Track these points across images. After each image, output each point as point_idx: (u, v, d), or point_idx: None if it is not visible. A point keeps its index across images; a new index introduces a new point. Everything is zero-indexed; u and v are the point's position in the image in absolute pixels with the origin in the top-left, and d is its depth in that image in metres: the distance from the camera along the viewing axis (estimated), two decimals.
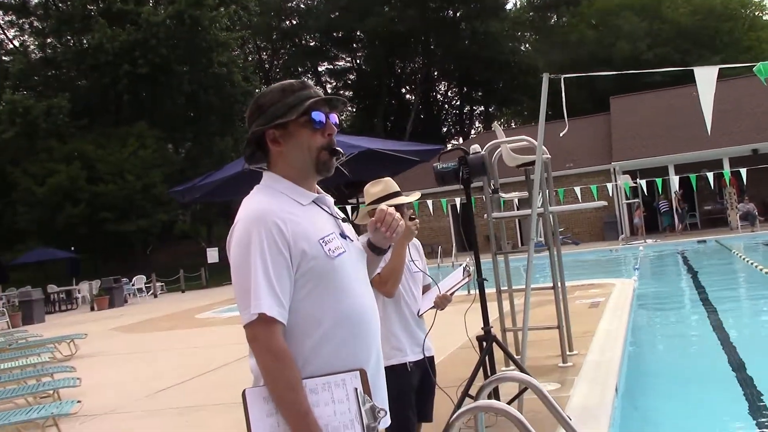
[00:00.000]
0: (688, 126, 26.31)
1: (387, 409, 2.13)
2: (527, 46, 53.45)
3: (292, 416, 1.91)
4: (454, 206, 26.31)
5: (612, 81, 37.06)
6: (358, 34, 50.55)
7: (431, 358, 3.62)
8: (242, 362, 9.24)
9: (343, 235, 2.15)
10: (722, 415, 5.74)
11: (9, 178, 31.94)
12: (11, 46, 41.13)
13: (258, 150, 2.15)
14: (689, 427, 5.54)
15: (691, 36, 41.07)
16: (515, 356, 5.68)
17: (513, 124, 52.78)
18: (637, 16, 41.64)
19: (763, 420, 5.34)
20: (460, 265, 3.71)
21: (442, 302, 3.63)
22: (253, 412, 1.94)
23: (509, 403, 5.12)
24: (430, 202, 21.79)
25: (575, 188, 20.54)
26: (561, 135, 6.62)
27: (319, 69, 54.10)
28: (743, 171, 19.23)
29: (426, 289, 3.77)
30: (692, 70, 5.27)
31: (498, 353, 5.29)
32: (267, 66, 52.26)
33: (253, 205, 2.05)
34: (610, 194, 24.26)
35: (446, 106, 59.01)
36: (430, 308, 3.65)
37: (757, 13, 46.75)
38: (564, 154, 29.20)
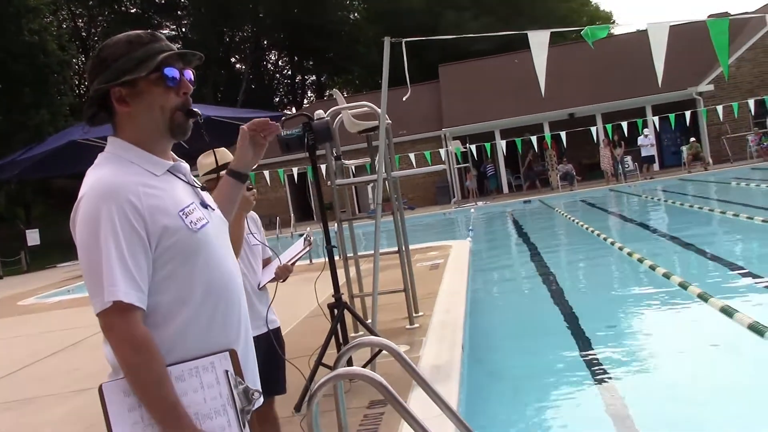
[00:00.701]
0: (512, 92, 27.66)
1: (259, 386, 2.03)
2: (357, 15, 53.68)
3: (159, 410, 1.73)
4: (291, 176, 26.15)
5: (440, 50, 38.10)
6: (182, 0, 48.58)
7: (276, 330, 3.53)
8: (74, 349, 8.72)
9: (204, 204, 1.97)
10: (556, 361, 6.10)
11: None
12: None
13: (101, 110, 1.91)
14: (528, 376, 5.84)
15: (511, 6, 43.04)
16: (366, 321, 5.71)
17: (345, 93, 52.99)
18: None
19: (592, 365, 5.72)
20: (301, 235, 3.64)
21: (283, 272, 3.54)
22: (112, 408, 1.75)
23: (364, 367, 5.16)
24: (267, 173, 21.51)
25: (410, 155, 21.03)
26: (404, 99, 6.69)
27: None
28: (563, 134, 20.47)
29: (266, 263, 3.66)
30: (517, 36, 5.46)
31: (348, 320, 5.30)
32: (84, 34, 49.06)
33: (100, 177, 1.81)
34: (443, 159, 25.04)
35: (278, 75, 58.23)
36: (271, 280, 3.54)
37: None
38: (397, 122, 29.73)
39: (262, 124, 2.23)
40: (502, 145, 22.57)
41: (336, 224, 6.87)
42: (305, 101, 55.61)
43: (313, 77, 58.06)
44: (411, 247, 13.28)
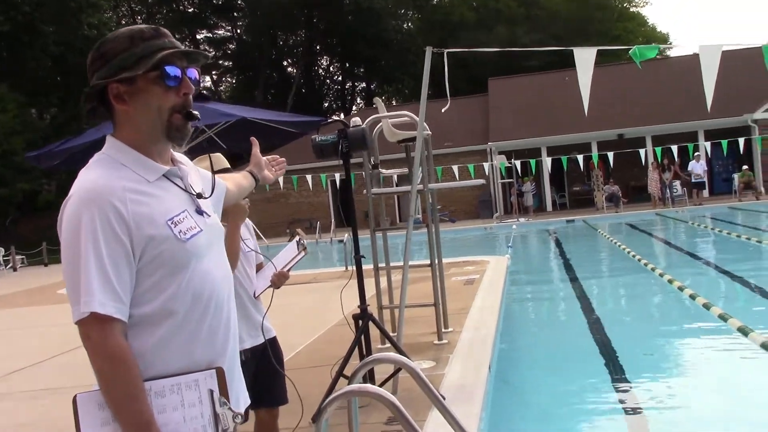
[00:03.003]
0: (561, 109, 27.31)
1: (242, 404, 1.95)
2: (410, 24, 53.75)
3: (131, 427, 1.65)
4: (333, 182, 26.21)
5: (490, 65, 37.99)
6: (239, 2, 49.17)
7: (272, 340, 3.44)
8: None
9: (199, 211, 1.88)
10: (586, 388, 5.92)
11: None
12: None
13: (101, 106, 1.83)
14: (556, 401, 5.68)
15: (565, 23, 42.65)
16: (391, 334, 5.61)
17: (394, 101, 52.99)
18: (515, 2, 42.78)
19: (623, 394, 5.54)
20: (298, 242, 3.50)
21: (279, 280, 3.42)
22: (84, 420, 1.67)
23: (383, 383, 5.06)
24: (309, 177, 21.58)
25: (453, 167, 20.89)
26: (443, 111, 6.59)
27: (198, 37, 52.27)
28: (610, 155, 20.13)
29: (258, 268, 3.56)
30: (570, 53, 5.33)
31: (374, 331, 5.21)
32: None
33: (87, 180, 1.73)
34: (486, 173, 24.83)
35: (328, 81, 58.55)
36: (267, 288, 3.44)
37: (625, 5, 49.20)
38: (442, 133, 29.66)
39: (274, 159, 2.67)
40: (547, 162, 22.25)
41: (373, 233, 6.79)
42: (354, 108, 55.80)
43: (363, 84, 58.25)
44: (447, 260, 13.25)
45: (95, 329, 1.65)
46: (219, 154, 3.30)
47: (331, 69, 57.88)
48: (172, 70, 1.79)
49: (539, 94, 30.19)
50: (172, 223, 1.76)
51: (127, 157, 1.80)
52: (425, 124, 6.60)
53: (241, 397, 1.98)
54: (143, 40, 1.79)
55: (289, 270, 3.39)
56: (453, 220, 25.86)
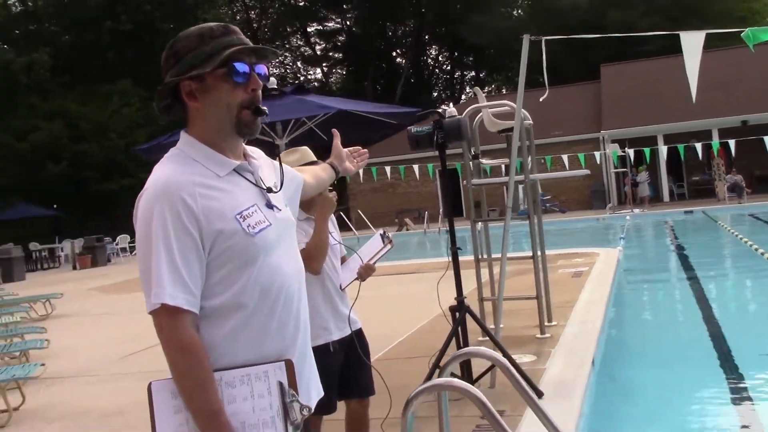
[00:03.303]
0: (678, 96, 26.07)
1: (313, 396, 1.97)
2: (520, 11, 52.77)
3: (200, 416, 1.68)
4: (441, 172, 26.11)
5: (604, 50, 36.75)
6: None
7: (358, 331, 3.43)
8: None
9: (270, 205, 1.90)
10: (697, 387, 5.64)
11: None
12: None
13: (176, 103, 1.88)
14: (663, 399, 5.44)
15: (683, 5, 40.66)
16: (489, 327, 5.53)
17: (504, 90, 52.28)
18: None
19: (737, 395, 5.25)
20: (379, 232, 3.47)
21: (366, 272, 3.41)
22: (158, 407, 1.72)
23: (479, 377, 5.00)
24: (416, 168, 21.58)
25: (563, 156, 20.37)
26: (541, 100, 6.39)
27: (308, 30, 53.30)
28: (732, 142, 19.09)
29: (341, 260, 3.54)
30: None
31: (474, 323, 5.15)
32: (255, 25, 51.42)
33: (160, 175, 1.78)
34: (598, 162, 24.07)
35: (437, 70, 58.35)
36: (354, 280, 3.43)
37: None
38: (553, 122, 28.98)
39: (356, 151, 2.65)
40: (663, 150, 21.30)
41: (473, 224, 6.71)
42: (463, 97, 55.43)
43: (472, 73, 57.71)
44: (556, 251, 12.99)
45: (166, 321, 1.69)
46: (306, 148, 3.32)
47: (439, 58, 57.68)
48: (240, 67, 1.81)
49: (655, 79, 28.93)
50: (240, 217, 1.78)
51: (198, 152, 1.83)
52: (526, 113, 6.46)
53: (312, 389, 1.99)
54: (212, 38, 1.82)
55: (375, 263, 3.38)
56: (563, 210, 25.25)
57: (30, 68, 30.46)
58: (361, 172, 24.36)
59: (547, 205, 26.33)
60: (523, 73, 5.23)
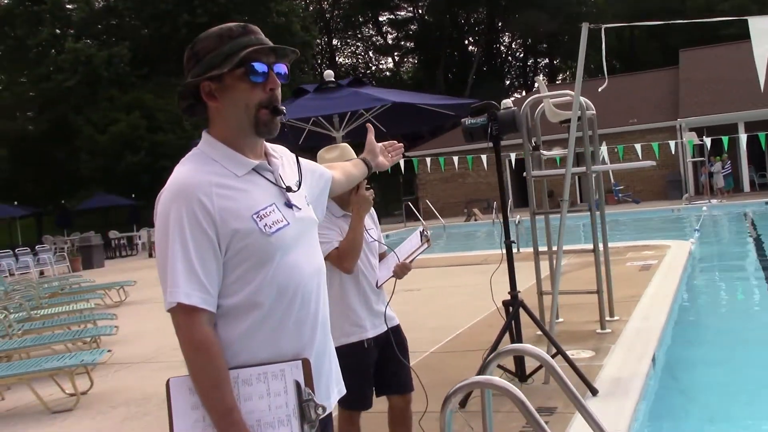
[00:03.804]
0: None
1: (333, 396, 1.97)
2: None
3: (215, 413, 1.71)
4: (511, 161, 25.80)
5: (685, 34, 35.51)
6: None
7: (395, 328, 3.39)
8: None
9: (289, 204, 1.91)
10: (764, 392, 5.40)
11: (72, 126, 32.68)
12: None
13: (198, 103, 1.90)
14: (727, 401, 5.25)
15: None
16: (543, 323, 5.44)
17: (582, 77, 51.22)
18: None
19: None
20: (418, 230, 3.41)
21: (402, 271, 3.35)
22: (176, 403, 1.75)
23: (531, 374, 4.92)
24: (484, 158, 21.37)
25: (636, 145, 19.80)
26: (600, 90, 6.22)
27: (380, 19, 53.35)
28: None
29: (381, 257, 3.50)
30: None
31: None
32: (327, 16, 51.79)
33: (178, 175, 1.81)
34: (673, 152, 23.32)
35: (509, 58, 57.57)
36: (390, 278, 3.38)
37: None
38: (628, 110, 28.23)
39: (390, 145, 2.65)
40: (743, 139, 20.44)
41: (533, 216, 6.61)
42: (536, 85, 54.58)
43: (546, 60, 56.71)
44: (625, 244, 12.68)
45: (182, 319, 1.72)
46: (346, 145, 3.31)
47: (512, 46, 56.89)
48: (258, 66, 1.82)
49: (736, 65, 27.77)
50: (257, 216, 1.80)
51: (217, 152, 1.86)
52: (589, 102, 6.31)
53: (333, 389, 2.00)
54: (231, 38, 1.84)
55: (411, 261, 3.35)
56: (637, 201, 24.60)
57: (110, 62, 31.50)
58: (428, 162, 24.33)
59: (620, 195, 25.72)
60: (581, 62, 5.10)
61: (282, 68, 1.88)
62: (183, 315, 1.72)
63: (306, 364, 1.79)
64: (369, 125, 2.57)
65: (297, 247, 1.88)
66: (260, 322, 1.80)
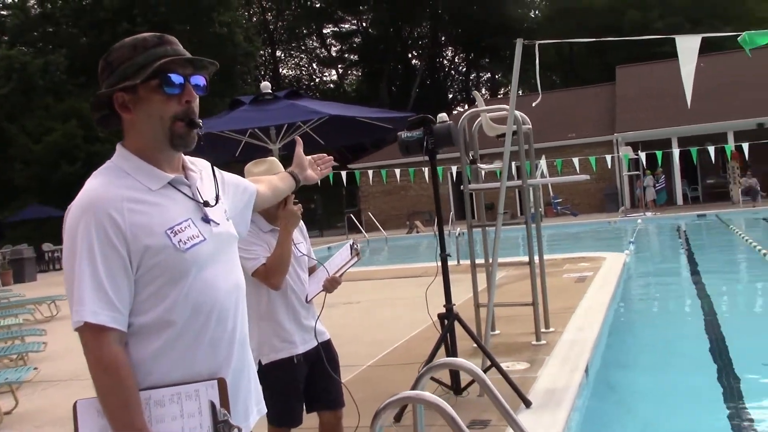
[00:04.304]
0: (693, 98, 25.76)
1: (253, 415, 1.92)
2: (537, 12, 52.55)
3: None
4: (452, 174, 26.02)
5: (622, 51, 36.44)
6: None
7: (326, 343, 3.34)
8: None
9: (206, 219, 1.85)
10: (696, 398, 5.53)
11: (5, 135, 31.71)
12: (9, 0, 40.58)
13: (112, 115, 1.84)
14: (661, 411, 5.34)
15: (702, 5, 40.31)
16: (479, 335, 5.46)
17: (520, 92, 52.08)
18: None
19: (734, 404, 5.15)
20: (348, 243, 3.39)
21: (332, 285, 3.33)
22: (84, 427, 1.68)
23: (465, 387, 4.93)
24: (426, 170, 21.49)
25: (574, 159, 20.21)
26: (533, 105, 6.32)
27: (324, 31, 53.35)
28: (745, 145, 18.86)
29: (311, 270, 3.46)
30: (714, 39, 4.96)
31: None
32: (271, 27, 51.56)
33: (88, 189, 1.75)
34: (609, 166, 23.89)
35: (452, 72, 58.20)
36: (319, 292, 3.36)
37: None
38: (567, 124, 28.80)
39: (320, 158, 2.62)
40: (676, 153, 21.06)
41: (470, 229, 6.65)
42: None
43: (488, 75, 57.52)
44: (562, 256, 12.87)
45: (90, 338, 1.66)
46: (274, 159, 3.27)
47: (456, 60, 57.53)
48: (174, 78, 1.77)
49: (670, 81, 28.54)
50: (171, 232, 1.75)
51: (131, 165, 1.80)
52: (525, 116, 6.40)
53: (252, 409, 1.95)
54: (145, 48, 1.79)
55: (341, 275, 3.32)
56: (575, 213, 25.09)
57: (46, 70, 30.72)
58: (371, 174, 24.37)
59: (559, 208, 26.20)
60: (516, 77, 5.17)
61: (200, 80, 1.83)
62: (90, 334, 1.66)
63: (222, 384, 1.74)
64: (298, 138, 2.53)
65: (214, 264, 1.83)
66: (174, 341, 1.74)
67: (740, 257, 14.12)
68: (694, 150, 19.28)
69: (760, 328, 8.05)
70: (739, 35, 4.35)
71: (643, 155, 20.52)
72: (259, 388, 2.01)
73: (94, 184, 1.76)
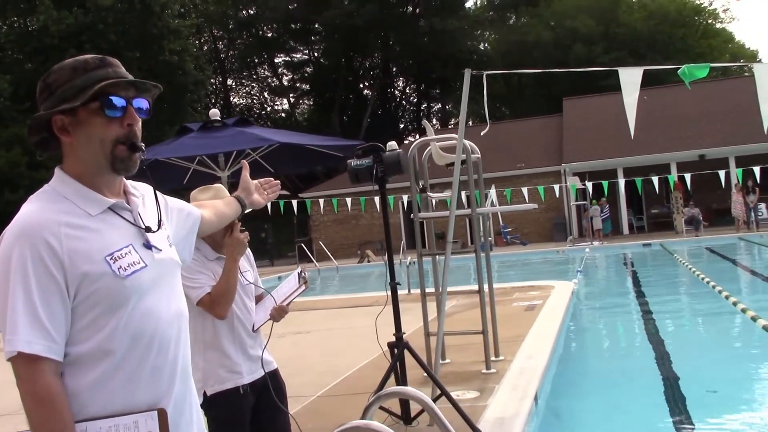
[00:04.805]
0: (638, 130, 26.45)
1: None
2: (486, 45, 53.51)
3: None
4: (404, 204, 26.15)
5: (568, 83, 37.33)
6: (316, 26, 49.98)
7: (273, 372, 3.28)
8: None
9: (148, 246, 1.80)
10: (644, 424, 5.60)
11: None
12: None
13: (51, 138, 1.79)
14: None
15: (645, 41, 41.65)
16: (430, 364, 5.44)
17: (471, 122, 52.83)
18: (593, 20, 42.02)
19: (682, 428, 5.21)
20: (296, 271, 3.35)
21: (279, 314, 3.26)
22: None
23: (416, 416, 4.90)
24: (377, 199, 21.53)
25: (523, 189, 20.51)
26: (482, 134, 6.43)
27: (276, 61, 53.40)
28: (688, 176, 19.39)
29: (258, 299, 3.40)
30: (659, 72, 5.07)
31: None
32: (222, 56, 51.43)
33: (24, 214, 1.70)
34: (557, 195, 24.30)
35: (404, 102, 58.77)
36: (266, 321, 3.29)
37: (710, 21, 47.61)
38: (516, 154, 29.26)
39: (267, 182, 2.58)
40: (622, 184, 21.55)
41: (420, 257, 6.66)
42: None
43: (439, 105, 58.24)
44: (512, 284, 12.98)
45: (23, 369, 1.60)
46: (220, 186, 3.22)
47: (407, 90, 58.14)
48: (116, 101, 1.74)
49: (616, 113, 29.29)
50: (111, 258, 1.70)
51: (69, 189, 1.75)
52: (474, 146, 6.47)
53: None
54: (86, 70, 1.76)
55: (288, 304, 3.27)
56: (525, 242, 25.40)
57: None
58: (322, 203, 24.30)
59: (509, 237, 26.49)
60: (464, 107, 5.23)
61: (143, 103, 1.80)
62: (24, 365, 1.59)
63: (162, 415, 1.69)
64: (244, 162, 2.51)
65: (155, 291, 1.78)
66: (113, 371, 1.68)
67: (684, 284, 14.44)
68: (638, 180, 19.75)
69: (704, 352, 8.22)
70: (679, 68, 4.48)
71: (590, 185, 20.93)
72: (202, 419, 1.96)
73: (30, 209, 1.71)
